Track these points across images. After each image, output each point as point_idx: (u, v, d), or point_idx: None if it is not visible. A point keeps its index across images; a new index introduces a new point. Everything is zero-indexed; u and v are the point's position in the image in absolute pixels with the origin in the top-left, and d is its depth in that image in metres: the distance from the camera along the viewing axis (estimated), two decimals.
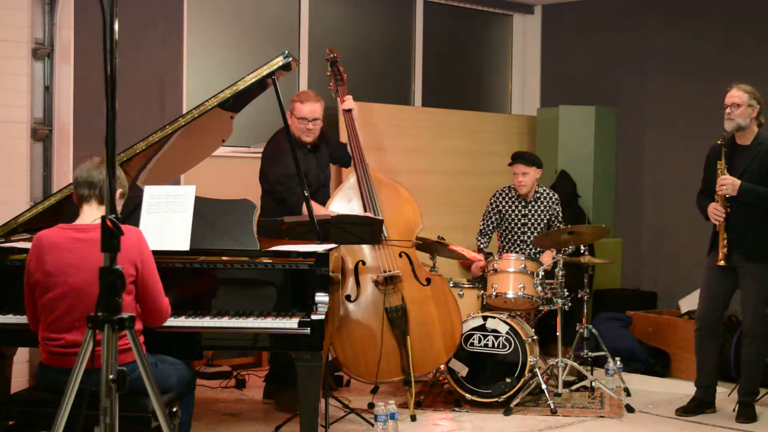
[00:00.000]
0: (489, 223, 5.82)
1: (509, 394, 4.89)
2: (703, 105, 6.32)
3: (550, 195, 5.79)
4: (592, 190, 6.94)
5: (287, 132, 4.11)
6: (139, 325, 3.26)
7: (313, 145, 4.98)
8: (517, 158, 5.67)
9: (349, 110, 5.05)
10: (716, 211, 4.72)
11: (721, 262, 4.71)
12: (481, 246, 5.81)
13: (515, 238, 5.74)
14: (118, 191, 3.29)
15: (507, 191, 5.79)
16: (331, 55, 5.18)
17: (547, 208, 5.74)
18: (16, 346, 3.80)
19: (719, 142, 4.76)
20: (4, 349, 3.70)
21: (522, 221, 5.72)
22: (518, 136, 7.24)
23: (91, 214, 3.25)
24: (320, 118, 4.93)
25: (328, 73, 5.20)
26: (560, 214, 5.79)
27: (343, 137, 5.16)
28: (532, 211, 5.72)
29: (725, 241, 4.71)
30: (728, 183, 4.67)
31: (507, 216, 5.75)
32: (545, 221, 5.73)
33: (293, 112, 4.88)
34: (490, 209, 5.82)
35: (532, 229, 5.71)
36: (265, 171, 4.90)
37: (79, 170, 3.30)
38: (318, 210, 4.73)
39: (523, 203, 5.73)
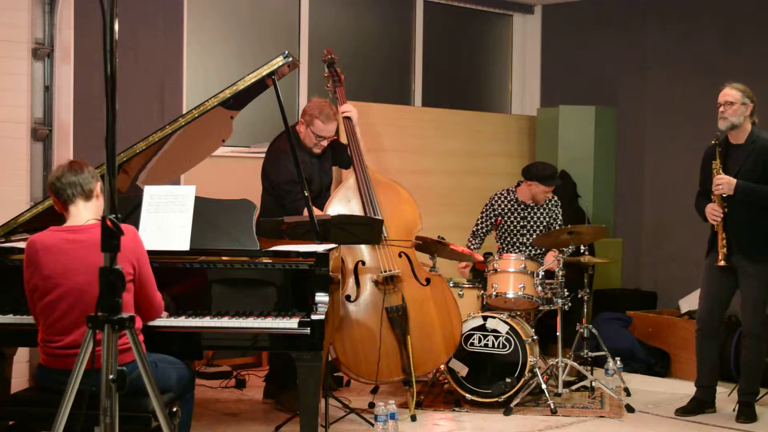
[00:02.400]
0: (484, 225, 5.81)
1: (509, 394, 4.89)
2: (703, 105, 6.28)
3: (550, 198, 5.78)
4: (592, 190, 6.94)
5: (289, 135, 4.10)
6: (138, 324, 3.26)
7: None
8: (551, 179, 5.63)
9: (348, 118, 5.06)
10: (714, 212, 4.72)
11: (722, 263, 4.71)
12: (471, 246, 5.79)
13: (514, 240, 5.74)
14: (98, 183, 3.30)
15: (505, 194, 5.77)
16: (329, 57, 5.19)
17: (547, 211, 5.74)
18: (16, 346, 3.79)
19: (713, 142, 4.76)
20: (4, 349, 3.70)
21: (521, 224, 5.72)
22: (518, 136, 7.24)
23: (79, 213, 3.24)
24: (334, 135, 4.97)
25: (326, 74, 5.21)
26: (560, 217, 5.77)
27: (343, 139, 5.15)
28: (531, 214, 5.72)
29: (724, 241, 4.71)
30: (724, 182, 4.67)
31: (506, 220, 5.74)
32: (544, 225, 5.73)
33: (311, 126, 4.86)
34: (487, 211, 5.80)
35: (531, 232, 5.71)
36: (268, 173, 4.90)
37: (52, 178, 3.27)
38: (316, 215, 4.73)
39: (522, 206, 5.72)
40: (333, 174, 5.25)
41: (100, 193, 3.31)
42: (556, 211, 5.78)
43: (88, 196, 3.26)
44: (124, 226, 3.18)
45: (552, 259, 5.40)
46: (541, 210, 5.73)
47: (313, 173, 4.94)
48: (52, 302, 3.17)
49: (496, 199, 5.79)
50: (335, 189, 5.04)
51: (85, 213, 3.23)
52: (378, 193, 4.93)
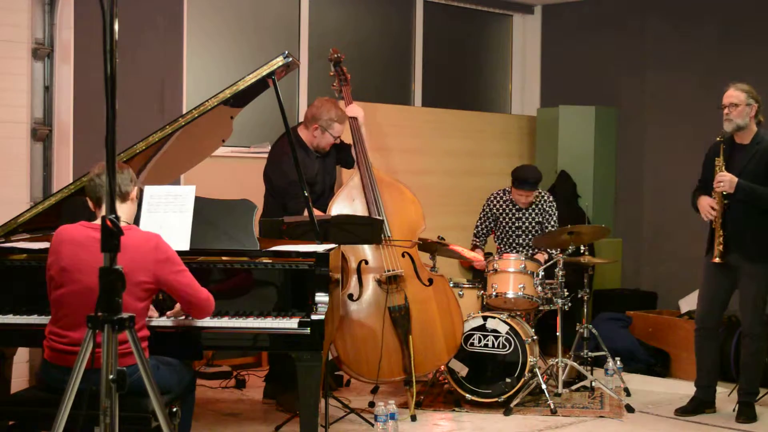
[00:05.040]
0: (484, 226, 5.81)
1: (509, 394, 4.89)
2: (703, 104, 6.30)
3: (545, 198, 5.75)
4: (592, 190, 6.94)
5: (289, 136, 4.10)
6: (144, 332, 3.27)
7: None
8: (524, 184, 5.56)
9: (354, 117, 5.07)
10: (708, 207, 4.70)
11: (717, 259, 4.70)
12: (476, 244, 5.80)
13: (511, 241, 5.73)
14: (135, 188, 3.32)
15: (501, 194, 5.77)
16: (335, 56, 5.19)
17: (542, 211, 5.71)
18: (16, 346, 3.80)
19: (719, 139, 4.75)
20: (4, 349, 3.71)
21: (516, 224, 5.71)
22: (518, 136, 7.24)
23: None
24: None
25: (332, 73, 5.21)
26: (554, 217, 5.72)
27: (347, 139, 5.15)
28: (526, 215, 5.71)
29: (721, 239, 4.69)
30: (726, 180, 4.66)
31: (501, 221, 5.74)
32: (537, 222, 5.71)
33: (330, 130, 4.88)
34: (485, 213, 5.81)
35: (527, 233, 5.70)
36: (270, 175, 4.90)
37: (89, 177, 3.34)
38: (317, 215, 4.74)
39: (517, 207, 5.71)
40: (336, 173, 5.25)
41: (135, 197, 3.35)
42: (550, 210, 5.73)
43: (122, 197, 3.30)
44: (145, 235, 3.23)
45: (542, 262, 5.39)
46: (535, 210, 5.70)
47: (316, 174, 4.95)
48: (63, 296, 3.18)
49: (492, 199, 5.79)
50: (340, 188, 5.03)
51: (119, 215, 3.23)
52: (382, 192, 4.93)
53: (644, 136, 7.04)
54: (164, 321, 3.53)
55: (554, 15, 7.63)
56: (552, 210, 5.74)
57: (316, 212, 4.68)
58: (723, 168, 4.70)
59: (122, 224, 3.18)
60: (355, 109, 5.09)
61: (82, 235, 3.21)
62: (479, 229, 5.83)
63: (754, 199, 4.65)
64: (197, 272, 3.63)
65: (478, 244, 5.82)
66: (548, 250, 5.43)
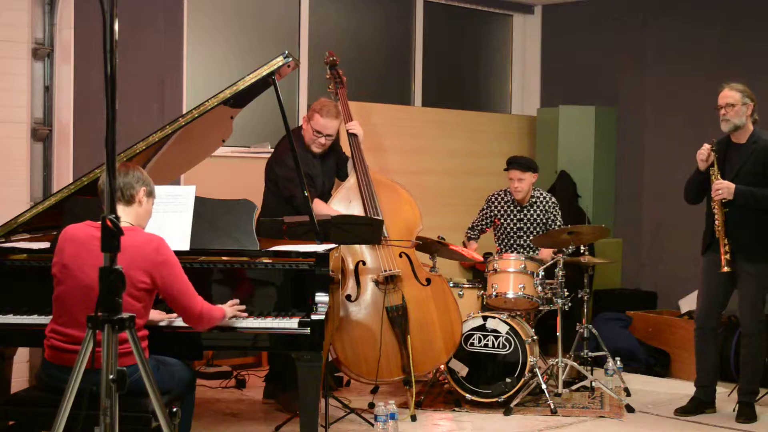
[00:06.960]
0: (482, 223, 5.81)
1: (509, 394, 4.89)
2: (704, 105, 6.30)
3: (547, 199, 5.73)
4: (592, 190, 6.94)
5: (289, 135, 4.10)
6: (143, 332, 3.27)
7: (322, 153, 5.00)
8: (512, 164, 5.60)
9: (355, 135, 5.05)
10: (702, 151, 4.71)
11: (725, 269, 4.67)
12: (469, 236, 5.79)
13: (512, 242, 5.71)
14: (142, 189, 3.30)
15: (502, 195, 5.75)
16: (331, 59, 5.20)
17: (544, 212, 5.69)
18: (16, 346, 3.80)
19: (712, 148, 4.73)
20: (4, 349, 3.71)
21: (518, 225, 5.70)
22: (518, 136, 7.24)
23: None
24: (334, 135, 4.95)
25: (328, 76, 5.22)
26: (558, 218, 5.72)
27: (344, 146, 5.14)
28: (528, 216, 5.69)
29: (727, 247, 4.67)
30: (724, 188, 4.66)
31: (502, 221, 5.73)
32: (541, 226, 5.69)
33: (311, 121, 4.88)
34: (484, 211, 5.80)
35: (528, 234, 5.69)
36: (275, 168, 4.89)
37: (100, 181, 3.33)
38: (323, 207, 4.73)
39: (518, 208, 5.70)
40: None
41: (143, 198, 3.31)
42: (554, 212, 5.72)
43: (128, 201, 3.28)
44: (150, 236, 3.23)
45: (548, 255, 5.38)
46: (536, 211, 5.69)
47: (315, 175, 4.94)
48: (63, 293, 3.19)
49: (493, 200, 5.78)
50: (336, 189, 5.03)
51: (123, 217, 3.22)
52: (379, 193, 4.93)
53: (644, 136, 7.04)
54: (165, 321, 3.53)
55: (554, 15, 7.63)
56: (556, 210, 5.72)
57: (320, 204, 4.69)
58: (718, 176, 4.70)
59: (124, 225, 3.20)
60: (356, 128, 5.08)
61: (84, 234, 3.21)
62: (476, 223, 5.81)
63: (754, 202, 4.65)
64: (197, 272, 3.64)
65: (471, 236, 5.80)
66: (560, 249, 5.42)
